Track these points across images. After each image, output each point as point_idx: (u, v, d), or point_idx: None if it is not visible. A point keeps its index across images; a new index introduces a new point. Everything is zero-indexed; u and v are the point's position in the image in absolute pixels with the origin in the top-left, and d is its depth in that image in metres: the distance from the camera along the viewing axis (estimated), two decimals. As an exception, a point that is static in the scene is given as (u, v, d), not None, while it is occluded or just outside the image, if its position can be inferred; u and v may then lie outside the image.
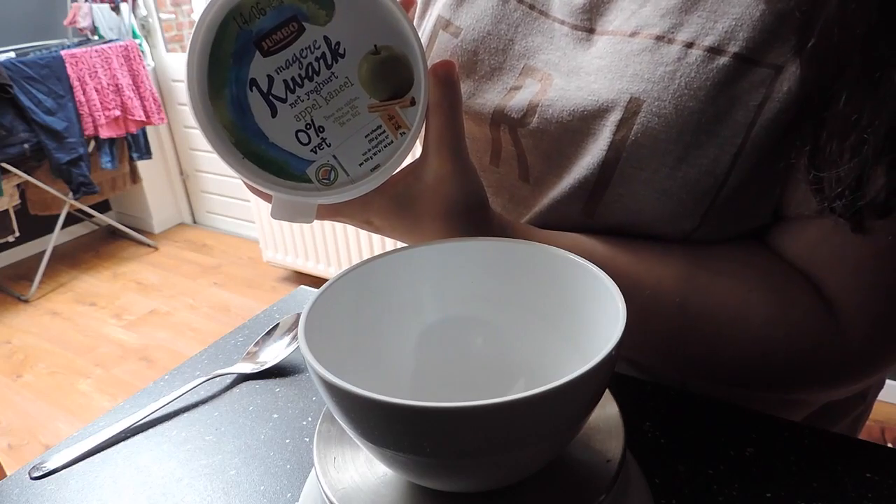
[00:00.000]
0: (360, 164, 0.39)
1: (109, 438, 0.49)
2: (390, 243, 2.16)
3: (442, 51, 0.53)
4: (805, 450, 0.43)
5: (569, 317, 0.37)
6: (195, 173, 3.19)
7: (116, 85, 2.65)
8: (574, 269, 0.36)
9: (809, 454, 0.42)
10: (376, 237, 2.17)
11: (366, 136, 0.38)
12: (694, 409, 0.47)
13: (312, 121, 0.38)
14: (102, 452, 0.48)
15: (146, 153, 2.91)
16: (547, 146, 0.47)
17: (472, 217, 0.43)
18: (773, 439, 0.44)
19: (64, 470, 0.46)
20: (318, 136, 0.38)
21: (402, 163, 0.40)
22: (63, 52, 2.49)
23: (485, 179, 0.53)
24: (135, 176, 3.05)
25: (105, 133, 2.64)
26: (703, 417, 0.46)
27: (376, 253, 0.44)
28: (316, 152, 0.38)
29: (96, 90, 2.59)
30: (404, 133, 0.39)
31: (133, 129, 2.75)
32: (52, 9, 2.91)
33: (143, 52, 2.83)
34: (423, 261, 0.39)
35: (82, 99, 2.55)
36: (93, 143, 2.71)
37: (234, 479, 0.44)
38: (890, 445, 0.44)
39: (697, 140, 0.41)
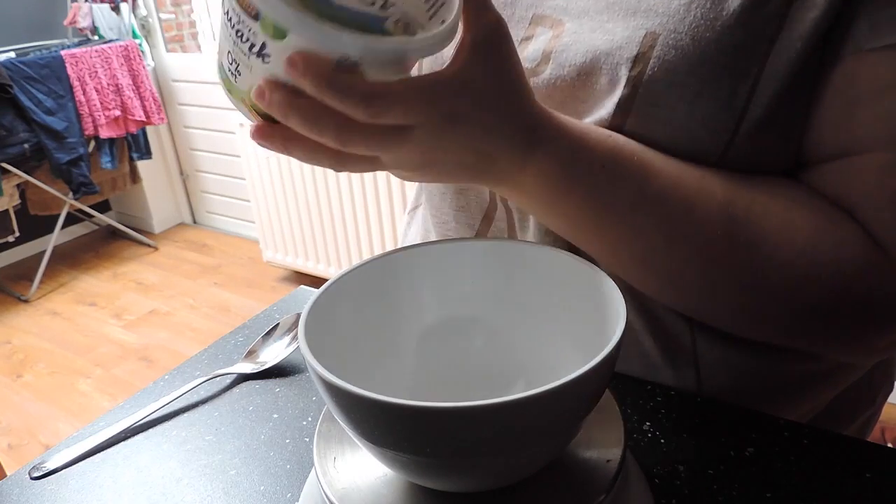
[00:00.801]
0: (430, 18, 0.36)
1: (109, 438, 0.49)
2: (390, 243, 2.16)
3: None
4: (805, 450, 0.43)
5: (569, 317, 0.37)
6: (195, 173, 3.19)
7: (116, 85, 2.65)
8: (574, 269, 0.36)
9: (809, 454, 0.42)
10: (376, 237, 2.17)
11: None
12: (694, 409, 0.47)
13: None
14: (102, 452, 0.48)
15: (146, 153, 2.90)
16: (561, 94, 0.46)
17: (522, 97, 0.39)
18: (773, 439, 0.44)
19: (64, 470, 0.46)
20: None
21: (458, 21, 0.37)
22: (63, 52, 2.49)
23: None
24: (135, 176, 3.05)
25: (105, 133, 2.64)
26: (703, 417, 0.46)
27: (376, 253, 0.44)
28: (385, 8, 0.35)
29: (96, 90, 2.59)
30: None
31: (133, 129, 2.75)
32: (52, 9, 2.91)
33: (143, 52, 2.83)
34: (423, 261, 0.39)
35: (82, 99, 2.55)
36: (93, 143, 2.71)
37: (234, 479, 0.44)
38: (890, 445, 0.44)
39: (714, 72, 0.41)
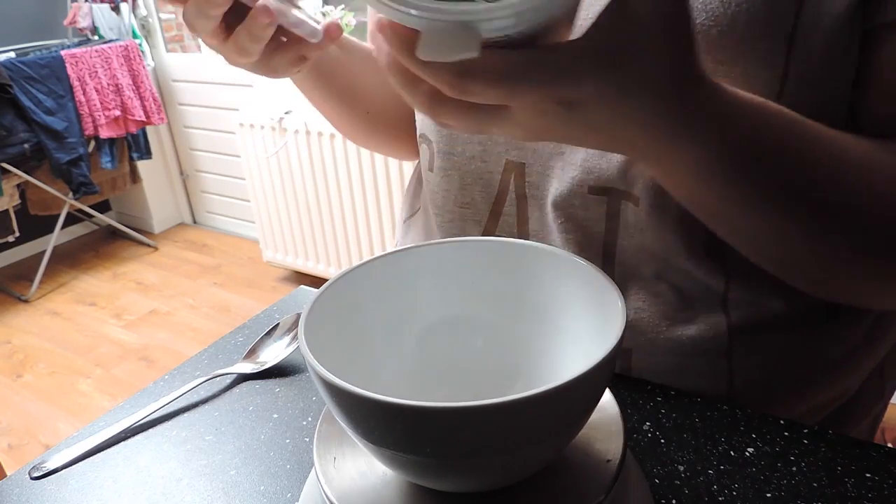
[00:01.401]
0: None
1: (109, 438, 0.49)
2: (390, 243, 2.16)
3: None
4: (805, 450, 0.43)
5: (569, 317, 0.37)
6: (195, 173, 3.19)
7: (116, 85, 2.65)
8: (574, 269, 0.36)
9: (809, 454, 0.42)
10: (376, 237, 2.17)
11: None
12: (694, 409, 0.47)
13: None
14: (102, 452, 0.48)
15: (146, 153, 2.90)
16: None
17: (694, 63, 0.32)
18: (773, 439, 0.44)
19: (64, 470, 0.46)
20: None
21: None
22: (63, 52, 2.49)
23: None
24: (135, 176, 3.05)
25: (105, 133, 2.64)
26: (704, 417, 0.46)
27: (376, 253, 0.44)
28: None
29: (96, 90, 2.59)
30: None
31: (133, 129, 2.75)
32: (52, 9, 2.91)
33: (143, 52, 2.83)
34: (423, 261, 0.39)
35: (82, 99, 2.55)
36: (93, 143, 2.71)
37: (234, 479, 0.44)
38: (890, 445, 0.44)
39: (749, 31, 0.40)
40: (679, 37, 0.31)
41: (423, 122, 0.60)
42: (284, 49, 0.48)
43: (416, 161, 0.69)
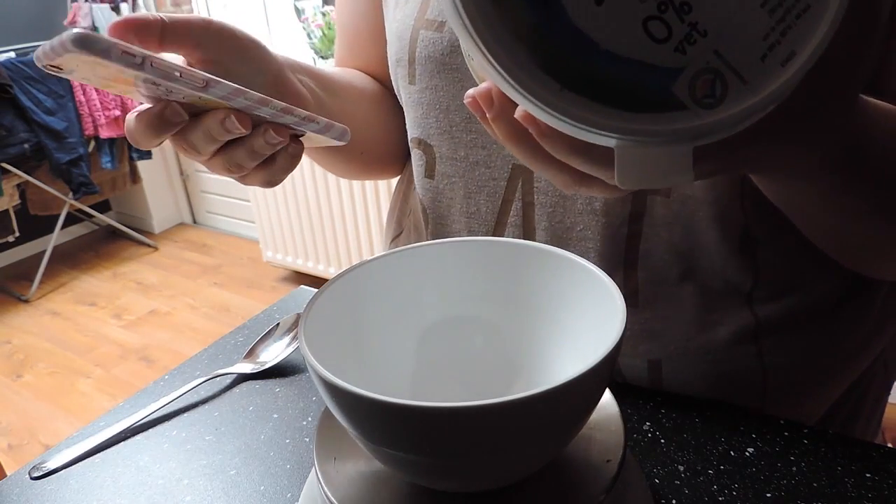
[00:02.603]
0: (763, 58, 0.23)
1: (109, 438, 0.49)
2: (385, 247, 2.15)
3: None
4: (805, 450, 0.43)
5: (569, 317, 0.37)
6: (195, 173, 3.19)
7: (116, 85, 2.65)
8: (574, 269, 0.36)
9: (809, 454, 0.42)
10: (376, 237, 2.17)
11: (763, 6, 0.22)
12: (694, 409, 0.47)
13: None
14: (102, 452, 0.48)
15: (146, 153, 2.90)
16: None
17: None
18: (773, 439, 0.44)
19: (64, 470, 0.46)
20: (681, 20, 0.22)
21: (829, 39, 0.23)
22: (63, 52, 2.49)
23: None
24: (135, 176, 3.05)
25: (105, 133, 2.64)
26: (703, 417, 0.46)
27: (377, 253, 0.44)
28: (683, 50, 0.22)
29: (96, 90, 2.59)
30: None
31: (133, 130, 2.75)
32: (52, 9, 2.91)
33: (143, 52, 2.83)
34: (423, 261, 0.39)
35: (82, 99, 2.55)
36: (93, 143, 2.71)
37: (234, 479, 0.44)
38: (890, 445, 0.44)
39: None
40: (851, 98, 0.30)
41: (420, 125, 0.56)
42: (271, 163, 0.42)
43: (398, 178, 0.67)
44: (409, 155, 0.62)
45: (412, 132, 0.58)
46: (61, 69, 0.31)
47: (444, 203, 0.56)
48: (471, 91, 0.29)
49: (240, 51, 0.41)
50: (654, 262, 0.48)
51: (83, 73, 0.32)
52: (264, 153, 0.40)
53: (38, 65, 0.31)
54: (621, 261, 0.49)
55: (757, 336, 0.48)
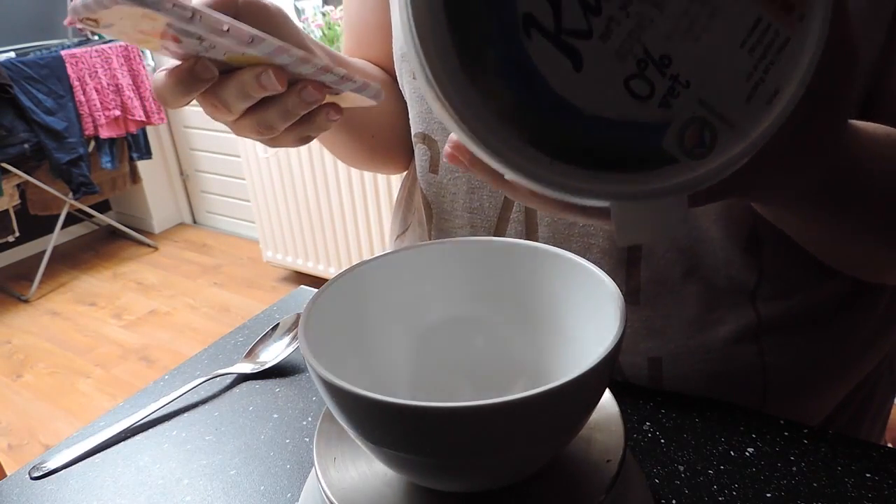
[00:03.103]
0: (748, 99, 0.22)
1: (109, 438, 0.49)
2: (390, 243, 2.15)
3: None
4: (805, 450, 0.43)
5: (569, 317, 0.37)
6: (195, 173, 3.19)
7: (116, 85, 2.65)
8: (574, 269, 0.36)
9: (809, 454, 0.42)
10: (376, 237, 2.17)
11: (741, 46, 0.22)
12: (694, 409, 0.47)
13: (646, 51, 0.22)
14: (102, 452, 0.48)
15: (146, 153, 2.90)
16: None
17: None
18: (773, 439, 0.44)
19: (64, 470, 0.46)
20: (662, 74, 0.22)
21: (813, 69, 0.22)
22: (63, 52, 2.49)
23: None
24: (135, 176, 3.04)
25: (105, 133, 2.64)
26: (703, 417, 0.46)
27: (376, 253, 0.43)
28: (668, 104, 0.22)
29: (96, 90, 2.59)
30: (803, 15, 0.22)
31: (133, 129, 2.75)
32: (52, 9, 2.91)
33: (143, 52, 2.83)
34: (423, 261, 0.39)
35: (82, 99, 2.55)
36: (93, 143, 2.71)
37: (234, 479, 0.44)
38: (890, 445, 0.44)
39: None
40: (840, 126, 0.30)
41: (424, 119, 0.56)
42: (310, 121, 0.41)
43: (404, 174, 0.67)
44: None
45: (416, 127, 0.58)
46: (98, 23, 0.30)
47: (447, 198, 0.56)
48: (448, 146, 0.28)
49: (269, 18, 0.40)
50: (658, 259, 0.48)
51: (122, 27, 0.31)
52: (297, 112, 0.39)
53: (74, 17, 0.29)
54: (624, 258, 0.49)
55: (759, 335, 0.48)
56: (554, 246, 0.38)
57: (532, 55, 0.21)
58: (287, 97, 0.38)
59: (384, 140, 0.64)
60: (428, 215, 0.59)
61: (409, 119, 0.60)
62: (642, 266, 0.48)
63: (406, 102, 0.60)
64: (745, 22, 0.22)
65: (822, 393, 0.52)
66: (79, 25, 0.31)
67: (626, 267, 0.49)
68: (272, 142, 0.44)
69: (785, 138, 0.24)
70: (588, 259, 0.48)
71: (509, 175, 0.23)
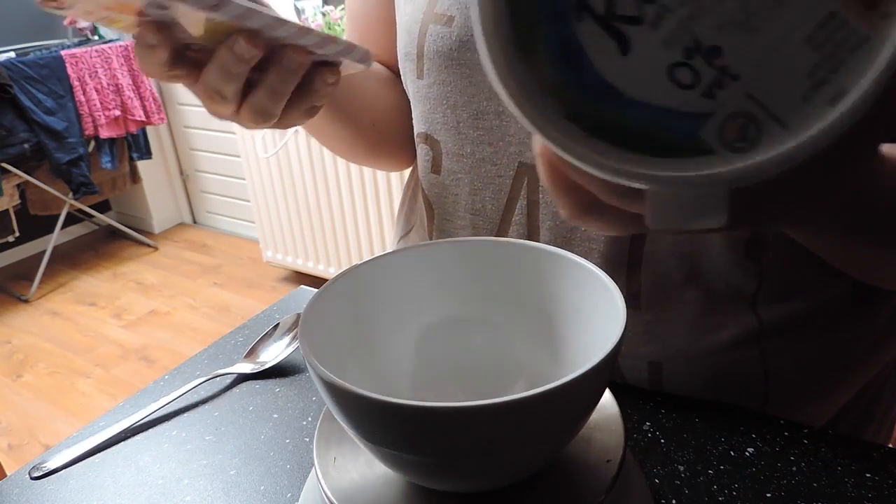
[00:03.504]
0: (805, 99, 0.21)
1: (109, 438, 0.49)
2: (390, 243, 2.16)
3: None
4: (805, 450, 0.43)
5: (569, 317, 0.37)
6: (195, 173, 3.19)
7: (116, 85, 2.65)
8: (574, 269, 0.36)
9: (809, 454, 0.42)
10: (376, 237, 2.17)
11: (805, 41, 0.21)
12: (694, 409, 0.47)
13: (696, 41, 0.21)
14: (102, 452, 0.48)
15: (146, 153, 2.90)
16: None
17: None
18: (773, 439, 0.44)
19: (64, 470, 0.46)
20: (710, 65, 0.21)
21: (887, 77, 0.20)
22: (63, 52, 2.49)
23: (519, 128, 0.49)
24: (135, 176, 3.04)
25: (105, 133, 2.64)
26: (703, 417, 0.46)
27: (376, 253, 0.43)
28: (712, 95, 0.22)
29: (96, 90, 2.59)
30: (887, 14, 0.20)
31: (133, 129, 2.75)
32: (52, 9, 2.91)
33: (143, 52, 2.83)
34: (423, 261, 0.39)
35: (82, 99, 2.55)
36: (93, 143, 2.71)
37: (234, 479, 0.44)
38: (890, 445, 0.44)
39: None
40: (870, 160, 0.29)
41: (427, 119, 0.55)
42: (308, 90, 0.40)
43: (409, 172, 0.67)
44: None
45: (419, 127, 0.57)
46: (62, 5, 0.30)
47: (449, 199, 0.56)
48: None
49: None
50: (658, 264, 0.48)
51: (85, 6, 0.31)
52: (285, 88, 0.38)
53: (39, 1, 0.29)
54: (625, 262, 0.48)
55: (759, 339, 0.48)
56: (535, 242, 0.38)
57: (580, 36, 0.22)
58: (269, 74, 0.37)
59: (386, 134, 0.63)
60: (429, 215, 0.59)
61: (412, 117, 0.60)
62: (643, 269, 0.48)
63: (410, 101, 0.60)
64: (814, 17, 0.20)
65: (825, 397, 0.52)
66: (46, 9, 0.30)
67: (627, 270, 0.48)
68: (281, 123, 0.43)
69: (842, 147, 0.23)
70: (591, 261, 0.48)
71: (550, 147, 0.23)
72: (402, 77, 0.59)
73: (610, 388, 0.37)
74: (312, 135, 0.62)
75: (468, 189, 0.54)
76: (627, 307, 0.47)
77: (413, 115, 0.58)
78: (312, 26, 0.45)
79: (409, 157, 0.65)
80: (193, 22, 0.34)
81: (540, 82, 0.22)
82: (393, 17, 0.60)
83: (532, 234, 0.52)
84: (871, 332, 0.52)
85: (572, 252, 0.49)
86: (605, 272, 0.47)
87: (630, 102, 0.22)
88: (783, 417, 0.47)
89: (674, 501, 0.40)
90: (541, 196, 0.50)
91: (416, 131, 0.58)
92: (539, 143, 0.27)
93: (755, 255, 0.46)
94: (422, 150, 0.58)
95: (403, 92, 0.61)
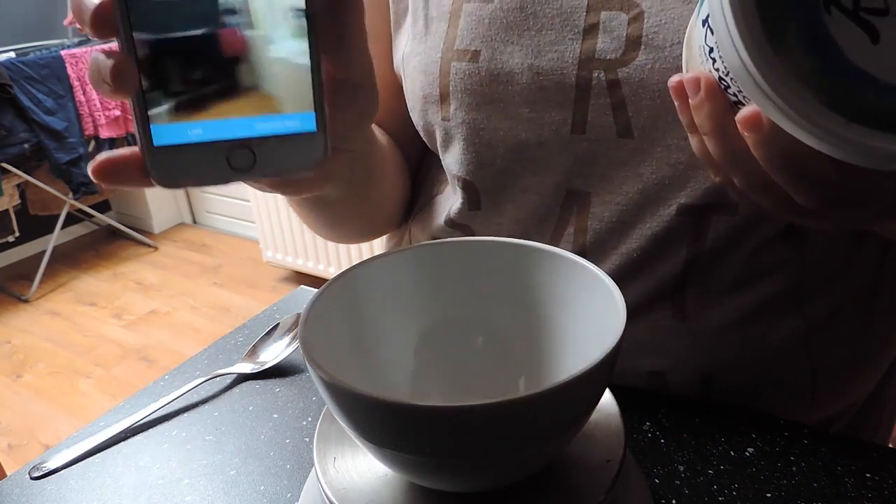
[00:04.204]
0: None
1: (109, 438, 0.49)
2: (390, 243, 2.15)
3: (475, 22, 0.47)
4: (805, 450, 0.43)
5: (569, 317, 0.37)
6: (195, 173, 3.19)
7: (116, 85, 2.65)
8: (574, 269, 0.36)
9: (809, 454, 0.42)
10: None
11: None
12: (694, 409, 0.47)
13: None
14: (102, 452, 0.48)
15: (146, 153, 2.90)
16: (662, 76, 0.42)
17: None
18: (773, 439, 0.44)
19: (64, 470, 0.46)
20: None
21: None
22: (63, 52, 2.49)
23: (564, 156, 0.47)
24: (135, 176, 3.04)
25: (105, 133, 2.64)
26: (703, 417, 0.46)
27: (376, 253, 0.43)
28: None
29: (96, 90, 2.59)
30: None
31: (133, 130, 2.75)
32: (52, 9, 2.91)
33: (143, 52, 2.83)
34: (423, 261, 0.39)
35: (82, 99, 2.55)
36: (93, 143, 2.71)
37: (234, 479, 0.44)
38: (890, 445, 0.44)
39: None
40: None
41: (460, 161, 0.51)
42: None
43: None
44: (408, 212, 0.60)
45: (452, 169, 0.53)
46: None
47: (492, 228, 0.53)
48: (676, 77, 0.29)
49: None
50: (708, 278, 0.47)
51: None
52: None
53: None
54: (671, 283, 0.47)
55: (807, 339, 0.48)
56: (534, 242, 0.38)
57: (830, 29, 0.23)
58: None
59: (382, 212, 0.59)
60: None
61: (406, 187, 0.57)
62: (693, 283, 0.47)
63: (407, 166, 0.58)
64: None
65: (860, 383, 0.52)
66: None
67: (673, 293, 0.47)
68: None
69: None
70: (636, 283, 0.47)
71: (806, 137, 0.24)
72: (417, 123, 0.54)
73: (610, 388, 0.37)
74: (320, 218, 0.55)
75: (512, 219, 0.51)
76: (674, 320, 0.47)
77: (442, 158, 0.54)
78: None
79: (396, 225, 0.62)
80: None
81: (796, 75, 0.23)
82: (385, 74, 0.56)
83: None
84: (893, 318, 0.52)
85: (621, 273, 0.47)
86: (658, 294, 0.47)
87: (886, 86, 0.23)
88: (824, 414, 0.46)
89: (674, 501, 0.40)
90: (590, 223, 0.48)
91: (449, 173, 0.54)
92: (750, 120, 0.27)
93: (798, 245, 0.46)
94: (457, 192, 0.53)
95: (399, 164, 0.58)
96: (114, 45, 0.26)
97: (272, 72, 0.28)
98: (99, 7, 0.25)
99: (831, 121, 0.23)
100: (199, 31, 0.27)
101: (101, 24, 0.26)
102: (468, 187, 0.52)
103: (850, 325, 0.49)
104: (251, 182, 0.32)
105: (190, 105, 0.28)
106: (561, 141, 0.47)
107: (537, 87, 0.46)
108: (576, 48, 0.44)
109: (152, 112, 0.28)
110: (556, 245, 0.49)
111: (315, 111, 0.29)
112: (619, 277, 0.47)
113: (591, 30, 0.44)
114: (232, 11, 0.27)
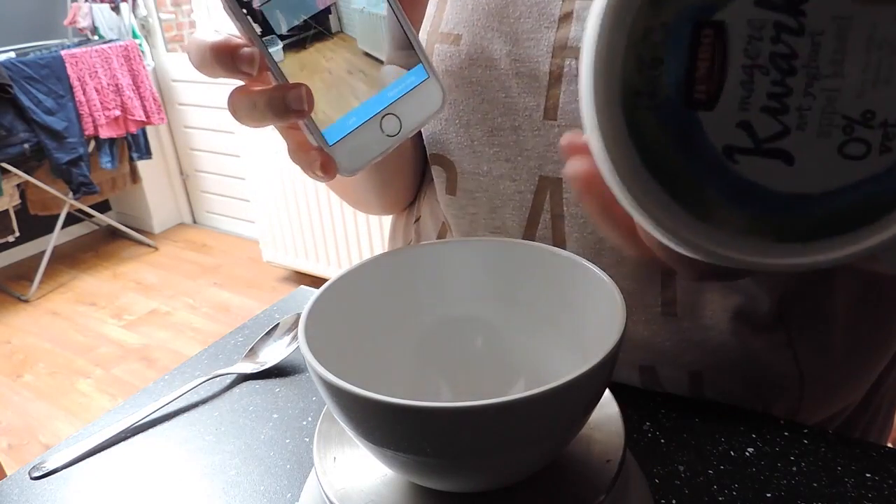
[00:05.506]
0: None
1: (109, 438, 0.49)
2: (390, 244, 2.15)
3: (459, 7, 0.49)
4: (805, 450, 0.43)
5: (569, 317, 0.37)
6: (195, 173, 3.19)
7: (116, 85, 2.65)
8: (574, 269, 0.36)
9: (809, 454, 0.42)
10: (376, 237, 2.17)
11: None
12: (694, 408, 0.47)
13: (847, 117, 0.22)
14: (102, 452, 0.48)
15: (146, 153, 2.90)
16: None
17: None
18: (773, 439, 0.44)
19: (64, 470, 0.46)
20: (871, 128, 0.22)
21: None
22: (63, 52, 2.49)
23: (537, 140, 0.48)
24: (135, 176, 3.05)
25: (105, 133, 2.64)
26: (703, 417, 0.46)
27: (376, 253, 0.42)
28: (889, 149, 0.22)
29: (96, 90, 2.59)
30: None
31: (133, 129, 2.75)
32: (52, 9, 2.91)
33: (143, 52, 2.83)
34: (423, 261, 0.39)
35: (82, 99, 2.55)
36: (93, 143, 2.71)
37: (234, 479, 0.44)
38: (890, 445, 0.44)
39: None
40: None
41: (438, 141, 0.53)
42: None
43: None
44: (420, 184, 0.60)
45: (430, 149, 0.55)
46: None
47: (466, 219, 0.53)
48: (567, 136, 0.29)
49: None
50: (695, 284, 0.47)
51: None
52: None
53: None
54: (658, 270, 0.47)
55: (790, 340, 0.48)
56: (534, 242, 0.38)
57: (745, 174, 0.23)
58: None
59: (398, 181, 0.60)
60: (449, 236, 0.56)
61: (416, 154, 0.58)
62: (677, 277, 0.47)
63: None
64: None
65: (851, 388, 0.52)
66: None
67: (661, 279, 0.47)
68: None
69: None
70: (621, 272, 0.47)
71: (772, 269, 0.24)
72: None
73: (610, 388, 0.37)
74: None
75: (487, 207, 0.52)
76: (664, 315, 0.47)
77: (423, 138, 0.56)
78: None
79: (412, 194, 0.63)
80: None
81: (733, 227, 0.23)
82: None
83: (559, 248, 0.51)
84: (891, 323, 0.51)
85: (603, 262, 0.48)
86: (640, 281, 0.47)
87: (823, 197, 0.23)
88: (816, 416, 0.46)
89: (674, 501, 0.40)
90: (565, 208, 0.48)
91: (428, 152, 0.56)
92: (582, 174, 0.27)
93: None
94: (436, 171, 0.55)
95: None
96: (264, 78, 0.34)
97: (384, 46, 0.36)
98: (246, 55, 0.31)
99: (790, 252, 0.23)
100: (327, 49, 0.34)
101: (250, 66, 0.31)
102: (446, 165, 0.53)
103: (836, 331, 0.49)
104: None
105: (338, 101, 0.35)
106: (533, 126, 0.48)
107: (514, 74, 0.47)
108: (550, 36, 0.46)
109: (318, 120, 0.34)
110: (534, 232, 0.50)
111: (420, 62, 0.36)
112: (605, 265, 0.47)
113: (565, 18, 0.46)
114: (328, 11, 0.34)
